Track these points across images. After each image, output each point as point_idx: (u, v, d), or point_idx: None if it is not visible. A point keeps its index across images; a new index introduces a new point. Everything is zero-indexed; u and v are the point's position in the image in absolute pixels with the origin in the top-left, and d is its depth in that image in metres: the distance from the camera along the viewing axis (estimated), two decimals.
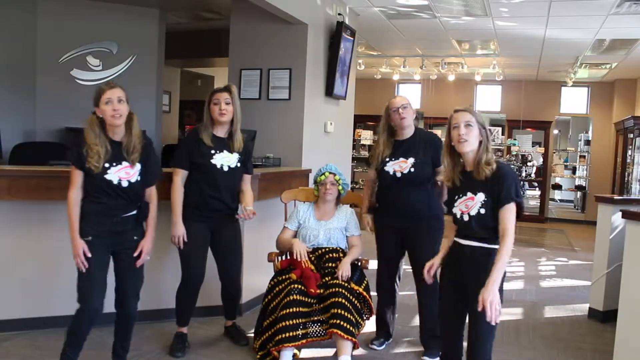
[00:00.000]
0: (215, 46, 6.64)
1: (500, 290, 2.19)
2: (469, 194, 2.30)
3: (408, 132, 3.24)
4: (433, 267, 2.49)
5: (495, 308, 2.10)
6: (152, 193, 2.76)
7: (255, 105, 4.89)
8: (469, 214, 2.28)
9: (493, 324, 2.14)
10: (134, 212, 2.66)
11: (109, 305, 2.67)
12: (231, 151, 3.14)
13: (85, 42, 5.37)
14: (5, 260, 3.33)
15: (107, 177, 2.55)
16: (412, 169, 3.16)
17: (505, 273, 2.25)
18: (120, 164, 2.58)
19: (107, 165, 2.54)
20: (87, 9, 5.34)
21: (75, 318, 2.58)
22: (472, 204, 2.28)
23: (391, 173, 3.21)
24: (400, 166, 3.18)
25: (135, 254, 2.67)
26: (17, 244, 3.35)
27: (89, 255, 2.52)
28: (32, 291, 3.40)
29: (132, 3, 5.42)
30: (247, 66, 4.96)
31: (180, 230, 3.06)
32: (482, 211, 2.25)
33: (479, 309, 2.11)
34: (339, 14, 5.17)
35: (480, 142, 2.30)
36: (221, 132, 3.16)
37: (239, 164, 3.17)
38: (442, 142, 2.53)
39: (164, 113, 6.80)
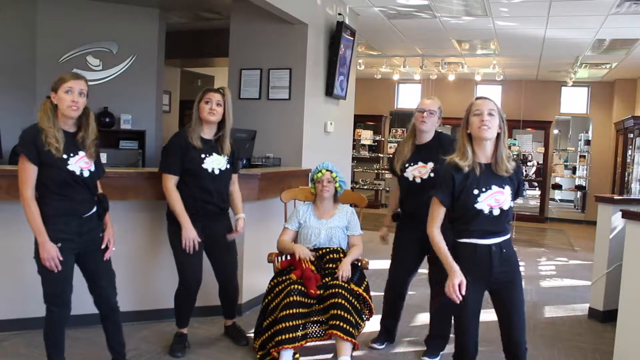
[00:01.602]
0: (215, 46, 6.65)
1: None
2: (495, 188, 2.26)
3: (426, 136, 3.18)
4: (462, 284, 2.23)
5: None
6: (99, 186, 2.71)
7: (255, 105, 4.89)
8: (501, 208, 2.26)
9: None
10: (95, 209, 2.60)
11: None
12: (220, 153, 3.12)
13: (85, 42, 5.38)
14: (4, 260, 3.33)
15: (70, 167, 2.46)
16: (432, 174, 3.09)
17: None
18: (77, 154, 2.51)
19: (65, 156, 2.46)
20: (87, 9, 5.34)
21: (52, 323, 2.54)
22: (503, 199, 2.26)
23: (411, 179, 3.17)
24: (420, 171, 3.14)
25: (103, 246, 2.62)
26: (16, 244, 3.34)
27: (61, 258, 2.44)
28: (32, 291, 3.35)
29: (132, 3, 5.42)
30: (247, 66, 4.96)
31: (191, 233, 3.01)
32: (512, 205, 2.32)
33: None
34: (339, 14, 5.17)
35: (498, 135, 2.27)
36: (208, 133, 3.11)
37: (228, 166, 3.15)
38: None
39: (164, 113, 6.79)
